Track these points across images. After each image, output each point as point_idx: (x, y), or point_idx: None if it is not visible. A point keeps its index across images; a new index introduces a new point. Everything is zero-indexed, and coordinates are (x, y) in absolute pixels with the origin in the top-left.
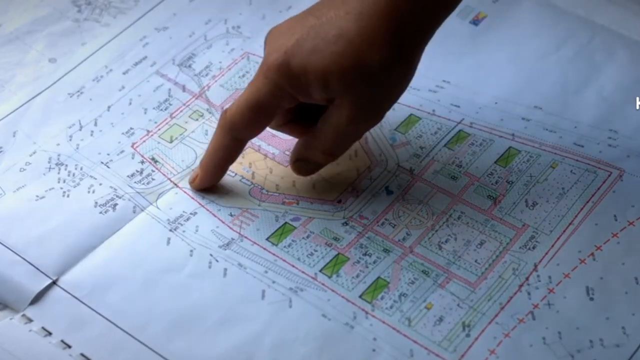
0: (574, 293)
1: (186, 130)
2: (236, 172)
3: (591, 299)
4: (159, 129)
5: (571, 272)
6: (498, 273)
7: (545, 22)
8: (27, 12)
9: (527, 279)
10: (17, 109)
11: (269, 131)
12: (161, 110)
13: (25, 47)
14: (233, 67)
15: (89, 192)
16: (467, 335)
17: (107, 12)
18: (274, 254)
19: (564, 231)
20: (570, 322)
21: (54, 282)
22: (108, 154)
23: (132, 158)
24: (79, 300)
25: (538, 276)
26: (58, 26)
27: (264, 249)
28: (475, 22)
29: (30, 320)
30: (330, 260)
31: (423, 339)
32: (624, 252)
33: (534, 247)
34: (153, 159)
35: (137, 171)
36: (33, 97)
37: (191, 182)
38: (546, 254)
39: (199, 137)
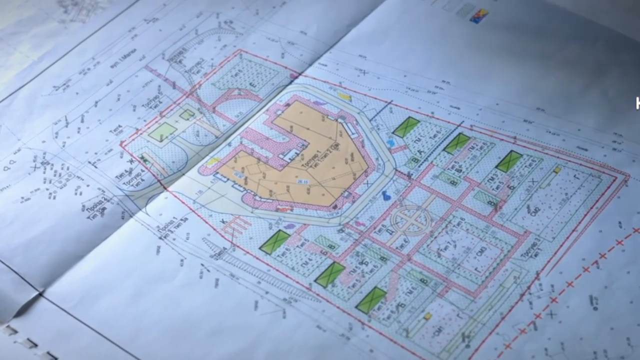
0: (577, 302)
1: (177, 129)
2: (228, 177)
3: (595, 308)
4: (149, 128)
5: (574, 281)
6: (499, 282)
7: (549, 22)
8: (11, 12)
9: (528, 287)
10: (0, 102)
11: (262, 134)
12: (151, 107)
13: (9, 48)
14: (225, 65)
15: (76, 193)
16: (467, 346)
17: (94, 13)
18: (267, 264)
19: (567, 238)
20: (574, 333)
21: (41, 294)
22: (95, 153)
23: (121, 157)
24: (66, 311)
25: (540, 285)
26: (43, 27)
27: (257, 258)
28: (476, 19)
29: (15, 332)
30: (326, 270)
31: (421, 351)
32: (629, 260)
33: (536, 255)
34: (142, 157)
35: (126, 171)
36: (17, 90)
37: None
38: (549, 261)
39: (189, 138)
